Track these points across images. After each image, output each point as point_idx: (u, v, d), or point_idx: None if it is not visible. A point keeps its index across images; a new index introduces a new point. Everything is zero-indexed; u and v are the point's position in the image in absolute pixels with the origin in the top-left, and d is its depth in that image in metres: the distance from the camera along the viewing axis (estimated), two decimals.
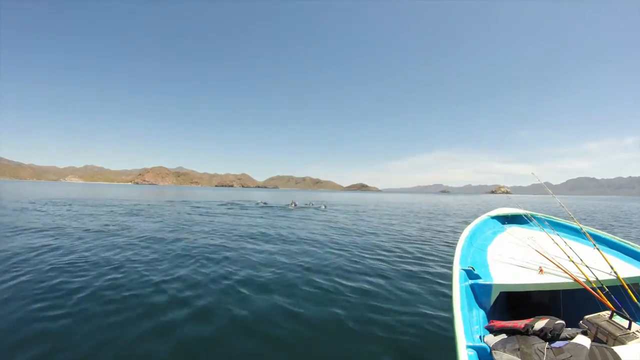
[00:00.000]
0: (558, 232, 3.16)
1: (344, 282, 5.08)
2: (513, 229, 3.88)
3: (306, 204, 27.38)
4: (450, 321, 2.23)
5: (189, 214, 16.63)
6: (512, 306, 2.98)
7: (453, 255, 2.79)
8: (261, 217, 15.97)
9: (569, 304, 2.68)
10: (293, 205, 24.46)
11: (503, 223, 4.23)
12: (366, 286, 4.86)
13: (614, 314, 1.81)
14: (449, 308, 3.50)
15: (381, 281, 5.12)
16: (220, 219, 14.72)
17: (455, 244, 3.07)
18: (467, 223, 3.85)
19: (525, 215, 4.24)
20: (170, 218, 14.18)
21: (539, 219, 3.99)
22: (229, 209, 21.52)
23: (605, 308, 1.91)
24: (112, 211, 16.33)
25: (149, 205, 21.99)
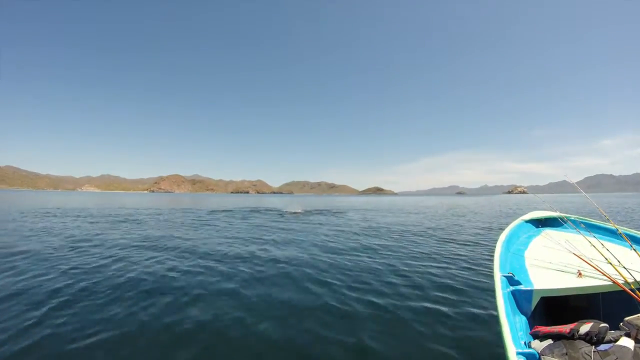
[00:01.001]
0: (594, 234, 3.05)
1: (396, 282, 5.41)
2: (548, 232, 3.84)
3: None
4: (490, 327, 3.20)
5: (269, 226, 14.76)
6: (550, 311, 2.87)
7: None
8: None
9: (608, 306, 2.61)
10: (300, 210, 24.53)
11: (537, 226, 4.18)
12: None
13: None
14: (489, 314, 3.89)
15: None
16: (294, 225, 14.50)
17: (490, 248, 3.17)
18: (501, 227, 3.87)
19: (560, 218, 4.17)
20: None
21: (573, 221, 3.92)
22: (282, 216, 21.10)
23: None
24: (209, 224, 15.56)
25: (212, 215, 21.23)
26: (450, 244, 9.39)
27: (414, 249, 8.48)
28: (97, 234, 11.04)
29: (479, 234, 11.72)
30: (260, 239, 10.56)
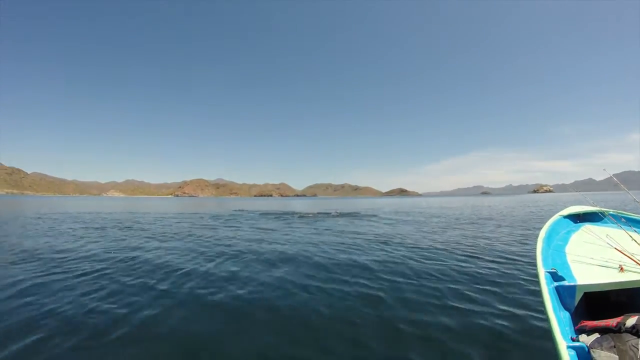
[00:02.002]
0: (635, 229, 2.80)
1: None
2: (588, 227, 3.63)
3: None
4: (536, 323, 3.59)
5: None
6: (591, 307, 2.57)
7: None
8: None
9: None
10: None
11: (575, 222, 4.01)
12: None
13: None
14: (535, 310, 4.08)
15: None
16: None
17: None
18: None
19: (600, 213, 4.03)
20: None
21: (614, 216, 3.66)
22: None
23: None
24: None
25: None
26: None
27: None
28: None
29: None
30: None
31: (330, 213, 23.98)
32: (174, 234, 11.86)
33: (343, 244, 9.34)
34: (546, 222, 3.68)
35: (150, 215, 21.83)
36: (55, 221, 16.66)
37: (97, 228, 13.58)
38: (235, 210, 30.06)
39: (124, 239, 10.25)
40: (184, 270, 6.13)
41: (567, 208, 4.26)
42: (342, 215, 22.46)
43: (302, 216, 21.28)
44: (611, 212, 3.89)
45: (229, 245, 9.03)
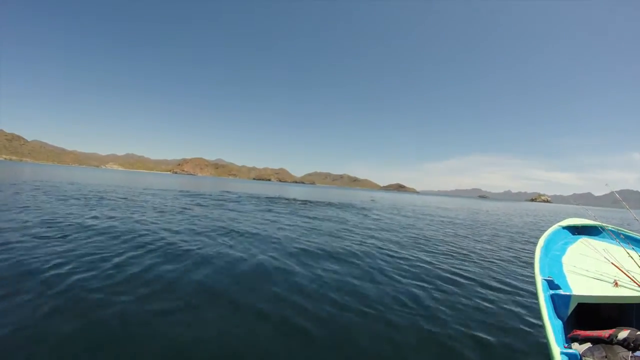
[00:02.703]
0: (633, 246, 3.01)
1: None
2: (586, 240, 3.74)
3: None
4: (530, 329, 3.72)
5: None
6: (582, 318, 2.73)
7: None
8: None
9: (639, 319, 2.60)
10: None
11: (573, 234, 4.08)
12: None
13: None
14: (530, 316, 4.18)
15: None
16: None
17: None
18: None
19: (598, 227, 4.12)
20: None
21: (612, 231, 3.76)
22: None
23: None
24: None
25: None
26: None
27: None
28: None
29: None
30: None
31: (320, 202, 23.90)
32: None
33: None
34: (545, 231, 3.75)
35: (130, 191, 21.10)
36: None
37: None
38: (223, 191, 30.39)
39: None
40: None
41: (567, 219, 4.30)
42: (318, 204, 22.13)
43: (289, 203, 21.17)
44: (610, 228, 3.93)
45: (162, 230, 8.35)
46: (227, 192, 30.52)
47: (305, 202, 23.75)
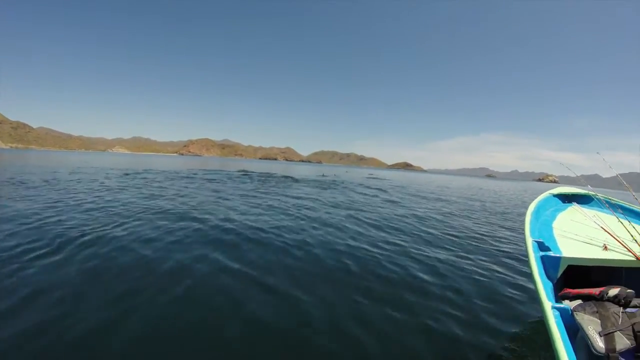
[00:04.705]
0: (623, 214, 3.05)
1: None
2: (576, 207, 3.91)
3: None
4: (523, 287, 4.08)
5: None
6: (572, 281, 2.81)
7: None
8: None
9: (629, 284, 2.44)
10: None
11: (564, 201, 4.17)
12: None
13: None
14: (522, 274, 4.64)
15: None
16: None
17: None
18: None
19: (590, 195, 4.22)
20: None
21: (602, 200, 3.85)
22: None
23: None
24: None
25: None
26: None
27: None
28: None
29: None
30: None
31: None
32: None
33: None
34: (536, 198, 3.86)
35: (117, 171, 20.66)
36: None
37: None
38: (215, 170, 30.07)
39: None
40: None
41: (557, 188, 4.41)
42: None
43: (280, 181, 20.75)
44: (599, 196, 4.06)
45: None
46: (221, 170, 30.45)
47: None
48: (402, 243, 6.06)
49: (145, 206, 7.94)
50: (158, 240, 5.14)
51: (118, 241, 4.93)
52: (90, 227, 5.58)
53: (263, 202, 10.13)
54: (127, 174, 17.77)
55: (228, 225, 6.48)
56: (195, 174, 21.37)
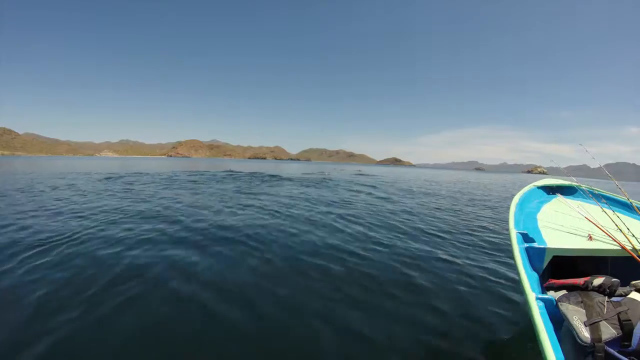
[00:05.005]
0: (607, 204, 3.09)
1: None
2: (561, 199, 3.89)
3: None
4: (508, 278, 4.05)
5: None
6: (557, 272, 2.92)
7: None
8: None
9: (615, 273, 2.44)
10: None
11: (549, 193, 4.16)
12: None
13: None
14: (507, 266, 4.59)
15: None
16: None
17: None
18: None
19: (574, 187, 4.21)
20: None
21: (587, 190, 3.94)
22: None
23: None
24: None
25: None
26: None
27: None
28: None
29: None
30: None
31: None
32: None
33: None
34: (520, 190, 3.84)
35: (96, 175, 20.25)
36: None
37: None
38: (198, 171, 29.59)
39: None
40: None
41: (542, 179, 4.39)
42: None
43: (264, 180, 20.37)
44: (584, 187, 4.07)
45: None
46: (207, 171, 29.83)
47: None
48: (387, 240, 5.87)
49: (119, 209, 7.67)
50: (120, 243, 4.91)
51: (77, 246, 4.68)
52: (55, 234, 5.30)
53: (244, 202, 9.86)
54: (109, 178, 17.36)
55: (198, 225, 6.29)
56: (177, 176, 20.82)
